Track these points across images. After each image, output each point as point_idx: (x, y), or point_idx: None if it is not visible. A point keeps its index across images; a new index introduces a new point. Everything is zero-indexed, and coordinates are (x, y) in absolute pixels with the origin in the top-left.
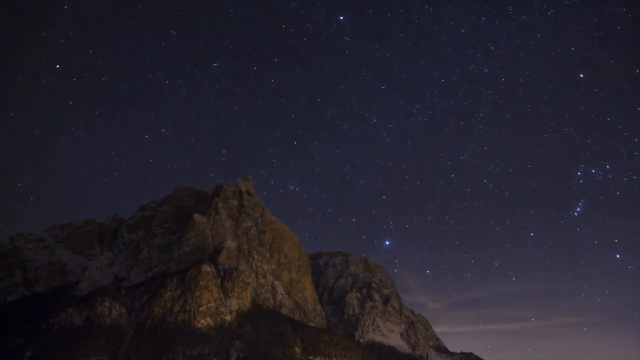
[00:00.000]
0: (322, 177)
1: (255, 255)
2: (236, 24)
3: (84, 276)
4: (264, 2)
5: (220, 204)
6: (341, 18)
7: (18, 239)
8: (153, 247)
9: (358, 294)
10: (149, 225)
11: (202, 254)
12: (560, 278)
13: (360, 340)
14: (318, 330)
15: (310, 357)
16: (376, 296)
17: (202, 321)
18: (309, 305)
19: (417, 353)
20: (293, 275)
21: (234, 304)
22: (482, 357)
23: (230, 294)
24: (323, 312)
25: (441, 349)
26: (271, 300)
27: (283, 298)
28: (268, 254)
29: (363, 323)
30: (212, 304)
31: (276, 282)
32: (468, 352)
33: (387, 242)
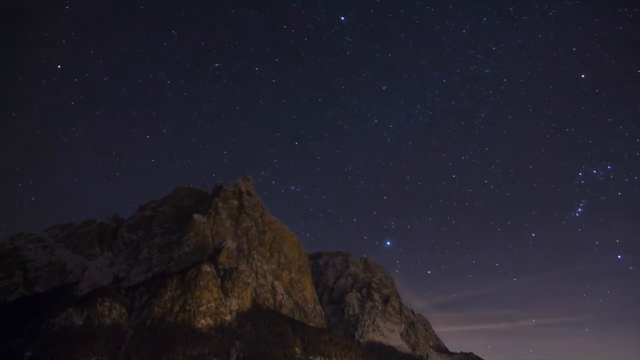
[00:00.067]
0: (323, 177)
1: (255, 255)
2: (237, 25)
3: (84, 276)
4: (265, 3)
5: (220, 204)
6: (342, 18)
7: (18, 239)
8: (153, 247)
9: (358, 294)
10: (149, 225)
11: (202, 254)
12: (561, 279)
13: (360, 340)
14: (318, 330)
15: (310, 357)
16: (376, 296)
17: (202, 321)
18: (309, 305)
19: (417, 353)
20: (293, 275)
21: (234, 304)
22: (482, 357)
23: (230, 294)
24: (323, 312)
25: (441, 349)
26: (271, 300)
27: (283, 298)
28: (268, 254)
29: (363, 323)
30: (212, 304)
31: (276, 282)
32: (468, 352)
33: (388, 243)
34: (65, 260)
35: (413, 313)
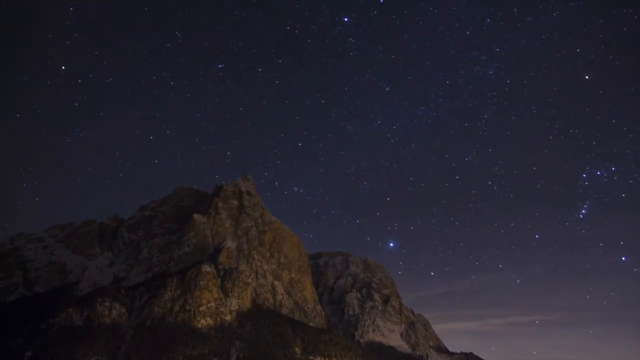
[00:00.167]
0: (326, 178)
1: (255, 255)
2: (240, 26)
3: (84, 276)
4: (268, 4)
5: (220, 204)
6: (345, 19)
7: (18, 239)
8: (153, 247)
9: (358, 294)
10: (149, 225)
11: (202, 254)
12: (565, 280)
13: (360, 340)
14: (318, 330)
15: (310, 357)
16: (376, 296)
17: (202, 321)
18: (309, 305)
19: (417, 353)
20: (293, 275)
21: (234, 304)
22: (484, 358)
23: (230, 294)
24: (323, 312)
25: (441, 349)
26: (271, 300)
27: (283, 298)
28: (268, 254)
29: (363, 323)
30: (212, 304)
31: (276, 282)
32: (468, 352)
33: (391, 244)
34: (65, 260)
35: (413, 313)
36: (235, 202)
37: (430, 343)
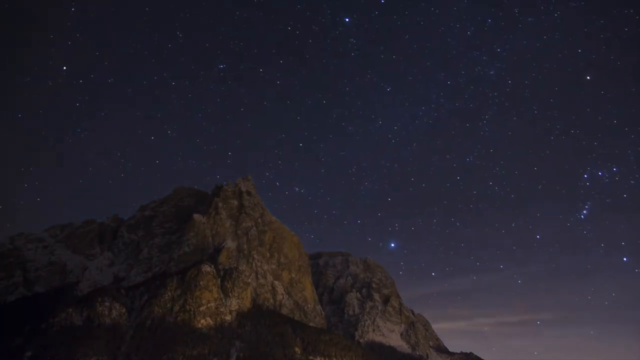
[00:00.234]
0: (327, 178)
1: (255, 255)
2: (242, 26)
3: (84, 276)
4: (269, 4)
5: (220, 204)
6: (347, 20)
7: (18, 239)
8: (153, 247)
9: (358, 294)
10: (149, 225)
11: (202, 254)
12: (566, 281)
13: (360, 340)
14: (318, 330)
15: (310, 357)
16: (376, 296)
17: (202, 321)
18: (309, 305)
19: (417, 353)
20: (293, 275)
21: (234, 304)
22: (485, 358)
23: (230, 294)
24: (323, 312)
25: (441, 349)
26: (271, 300)
27: (283, 298)
28: (268, 254)
29: (363, 323)
30: (212, 304)
31: (276, 282)
32: (468, 352)
33: (392, 244)
34: (65, 260)
35: (413, 313)
36: (235, 202)
37: (430, 343)
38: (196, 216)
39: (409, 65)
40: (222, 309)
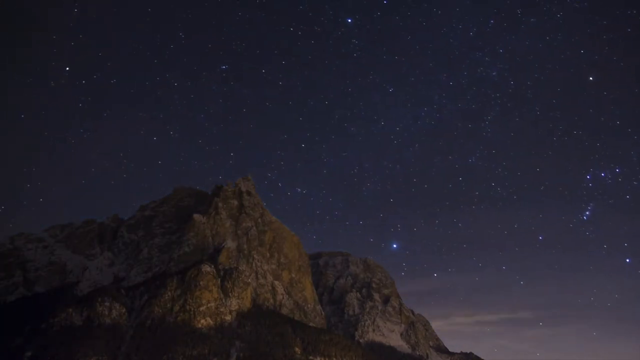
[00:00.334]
0: (329, 179)
1: (255, 255)
2: (244, 27)
3: (84, 276)
4: (271, 5)
5: (220, 204)
6: (349, 21)
7: (18, 239)
8: (153, 247)
9: (358, 294)
10: (149, 225)
11: (202, 254)
12: (569, 282)
13: (360, 340)
14: (318, 330)
15: (310, 357)
16: (376, 296)
17: (202, 321)
18: (309, 305)
19: (417, 353)
20: (293, 275)
21: (234, 304)
22: (485, 358)
23: (230, 294)
24: (323, 312)
25: (441, 349)
26: (271, 300)
27: (283, 298)
28: (268, 254)
29: (363, 323)
30: (212, 304)
31: (276, 282)
32: (468, 352)
33: (394, 245)
34: (65, 260)
35: (413, 313)
36: (235, 202)
37: (430, 343)
38: (196, 216)
39: (411, 66)
40: (222, 309)
